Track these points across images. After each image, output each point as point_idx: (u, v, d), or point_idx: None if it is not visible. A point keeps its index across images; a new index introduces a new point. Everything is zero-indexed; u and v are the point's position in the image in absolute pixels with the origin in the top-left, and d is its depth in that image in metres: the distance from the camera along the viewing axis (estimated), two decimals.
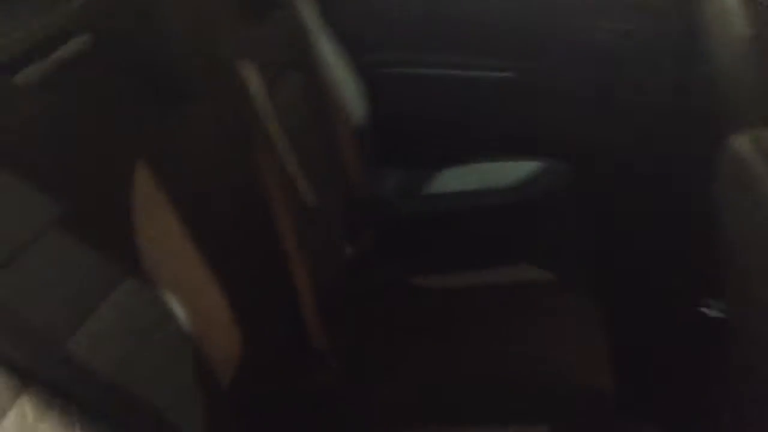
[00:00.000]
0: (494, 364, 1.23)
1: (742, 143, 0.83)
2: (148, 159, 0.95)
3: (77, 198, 0.84)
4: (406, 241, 1.58)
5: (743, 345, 0.89)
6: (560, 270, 1.39)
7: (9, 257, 0.72)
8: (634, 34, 1.60)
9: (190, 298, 0.98)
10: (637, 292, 1.54)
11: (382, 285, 1.45)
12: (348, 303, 1.39)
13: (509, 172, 1.70)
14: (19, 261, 0.74)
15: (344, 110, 1.64)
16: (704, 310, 1.21)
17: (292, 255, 1.20)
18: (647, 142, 1.60)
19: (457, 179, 1.73)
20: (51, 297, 0.78)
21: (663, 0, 1.57)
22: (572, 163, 1.65)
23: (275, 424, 1.09)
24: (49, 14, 0.98)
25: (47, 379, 0.73)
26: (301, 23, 1.54)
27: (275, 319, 1.16)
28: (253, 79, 1.29)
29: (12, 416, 0.70)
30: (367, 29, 1.74)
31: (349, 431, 1.15)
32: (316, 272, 1.27)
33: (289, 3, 1.52)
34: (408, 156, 1.79)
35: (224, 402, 1.00)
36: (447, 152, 1.78)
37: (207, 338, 0.99)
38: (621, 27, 1.62)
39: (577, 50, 1.66)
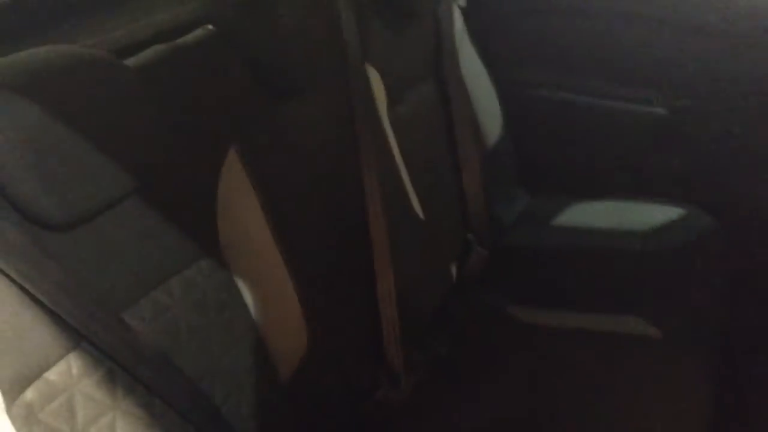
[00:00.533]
0: (573, 415, 1.15)
1: None
2: (242, 148, 0.99)
3: (165, 175, 0.88)
4: (517, 269, 1.52)
5: None
6: (672, 328, 1.27)
7: (81, 219, 0.77)
8: None
9: (262, 289, 1.00)
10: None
11: (481, 311, 1.40)
12: (440, 324, 1.36)
13: (645, 214, 1.58)
14: (93, 224, 0.80)
15: (477, 128, 1.61)
16: None
17: (382, 266, 1.19)
18: None
19: (587, 214, 1.63)
20: (119, 264, 0.83)
21: None
22: (714, 214, 1.50)
23: (329, 426, 1.08)
24: (179, 6, 1.05)
25: (98, 341, 0.77)
26: (443, 37, 1.53)
27: (351, 325, 1.15)
28: (376, 85, 1.30)
29: (57, 368, 0.75)
30: (513, 48, 1.69)
31: None
32: (409, 287, 1.25)
33: (432, 16, 1.52)
34: (539, 182, 1.73)
35: (282, 395, 1.02)
36: (581, 184, 1.69)
37: (273, 330, 1.01)
38: None
39: (738, 94, 1.51)
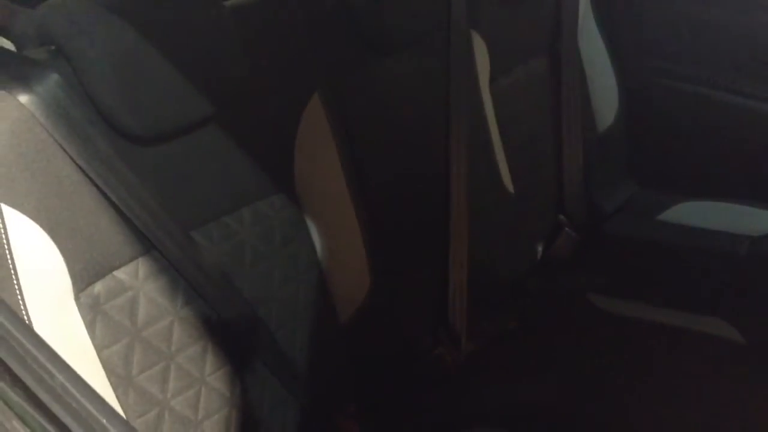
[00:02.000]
0: (634, 408, 1.12)
1: None
2: (327, 94, 1.03)
3: (248, 108, 0.95)
4: (608, 258, 1.48)
5: None
6: (756, 335, 1.19)
7: (161, 137, 0.85)
8: None
9: (330, 231, 1.05)
10: None
11: (559, 293, 1.38)
12: (514, 299, 1.35)
13: (757, 220, 1.48)
14: (174, 144, 0.87)
15: (589, 110, 1.57)
16: None
17: (458, 230, 1.20)
18: None
19: (695, 212, 1.55)
20: (195, 186, 0.91)
21: None
22: None
23: (380, 374, 1.12)
24: None
25: (165, 251, 0.85)
26: (564, 15, 1.49)
27: (417, 283, 1.18)
28: (480, 54, 1.30)
29: (126, 269, 0.84)
30: (642, 33, 1.62)
31: (445, 419, 1.14)
32: (486, 257, 1.26)
33: None
34: (651, 174, 1.66)
35: (338, 335, 1.07)
36: (694, 181, 1.61)
37: (336, 272, 1.06)
38: None
39: None
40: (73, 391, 0.53)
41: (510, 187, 1.36)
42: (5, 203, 0.74)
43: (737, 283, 1.34)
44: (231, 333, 0.92)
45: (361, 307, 1.08)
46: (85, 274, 0.80)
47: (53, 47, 0.79)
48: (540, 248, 1.45)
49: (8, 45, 1.09)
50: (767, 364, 1.16)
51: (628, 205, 1.63)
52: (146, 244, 0.85)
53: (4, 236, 0.74)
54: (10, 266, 0.74)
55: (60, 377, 0.53)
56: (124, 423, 0.52)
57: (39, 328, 0.76)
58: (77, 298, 0.80)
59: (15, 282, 0.75)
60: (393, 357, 1.15)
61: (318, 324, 1.03)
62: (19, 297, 0.75)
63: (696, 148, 1.62)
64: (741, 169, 1.56)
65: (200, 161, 0.91)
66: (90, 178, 0.79)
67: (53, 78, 0.77)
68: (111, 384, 0.83)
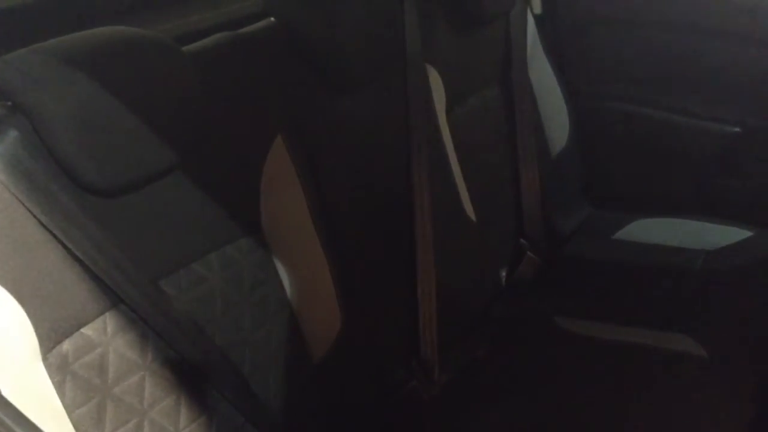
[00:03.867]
0: (608, 429, 1.13)
1: None
2: (290, 135, 1.03)
3: (212, 154, 0.94)
4: (570, 280, 1.50)
5: None
6: (719, 349, 1.22)
7: (124, 188, 0.83)
8: None
9: (299, 272, 1.04)
10: None
11: (526, 318, 1.39)
12: (482, 327, 1.36)
13: (710, 234, 1.52)
14: (138, 195, 0.85)
15: (542, 136, 1.61)
16: None
17: (425, 262, 1.21)
18: None
19: (649, 230, 1.59)
20: (161, 234, 0.89)
21: None
22: None
23: (355, 412, 1.11)
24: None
25: (133, 304, 0.83)
26: (513, 43, 1.52)
27: (387, 318, 1.18)
28: (435, 85, 1.32)
29: (94, 325, 0.82)
30: (587, 58, 1.67)
31: None
32: (453, 286, 1.27)
33: (504, 22, 1.52)
34: (604, 195, 1.70)
35: (311, 375, 1.05)
36: (646, 200, 1.65)
37: (307, 313, 1.05)
38: None
39: None
40: None
41: (472, 215, 1.37)
42: None
43: (695, 298, 1.38)
44: (204, 383, 0.90)
45: (334, 344, 1.07)
46: (52, 334, 0.77)
47: (10, 103, 0.77)
48: (504, 273, 1.47)
49: None
50: (730, 378, 1.18)
51: (584, 226, 1.66)
52: (113, 298, 0.83)
53: None
54: None
55: None
56: None
57: (6, 391, 0.73)
58: (45, 359, 0.77)
59: None
60: (367, 393, 1.14)
61: (292, 366, 1.02)
62: None
63: (646, 167, 1.67)
64: (690, 185, 1.62)
65: (166, 209, 0.89)
66: (54, 235, 0.77)
67: (12, 135, 0.75)
68: None
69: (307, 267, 1.06)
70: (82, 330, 0.81)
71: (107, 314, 0.82)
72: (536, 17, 1.63)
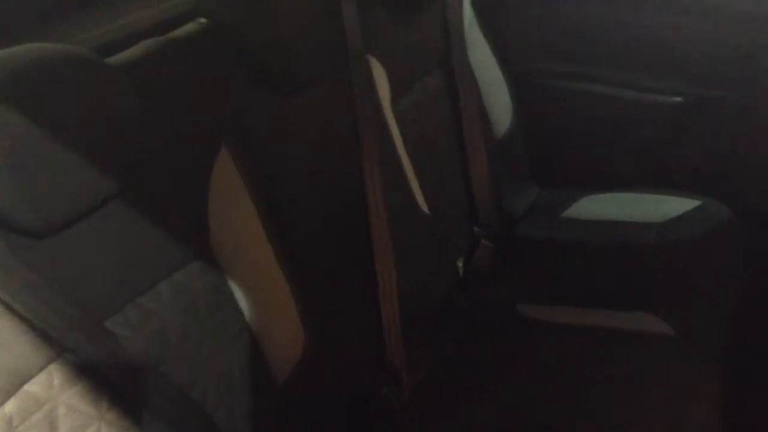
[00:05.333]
0: (582, 414, 1.11)
1: None
2: (235, 146, 0.96)
3: (151, 176, 0.86)
4: (526, 264, 1.48)
5: None
6: (684, 325, 1.22)
7: (61, 226, 0.75)
8: None
9: (256, 289, 0.98)
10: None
11: (488, 308, 1.36)
12: (445, 322, 1.33)
13: (660, 206, 1.53)
14: (74, 230, 0.77)
15: (486, 119, 1.57)
16: None
17: (383, 263, 1.16)
18: None
19: (600, 206, 1.58)
20: (103, 270, 0.81)
21: None
22: (731, 206, 1.45)
23: (329, 429, 1.06)
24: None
25: (80, 351, 0.75)
26: (451, 27, 1.48)
27: (351, 325, 1.13)
28: (379, 77, 1.26)
29: (39, 380, 0.73)
30: (524, 37, 1.64)
31: None
32: (412, 284, 1.22)
33: (440, 5, 1.47)
34: (551, 174, 1.68)
35: (278, 398, 0.99)
36: (594, 176, 1.64)
37: (268, 332, 0.99)
38: None
39: (760, 85, 1.45)
40: None
41: (425, 207, 1.32)
42: None
43: (652, 273, 1.38)
44: (166, 427, 0.83)
45: (299, 363, 1.01)
46: None
47: None
48: (461, 264, 1.44)
49: None
50: (695, 353, 1.18)
51: (534, 207, 1.64)
52: (57, 347, 0.74)
53: None
54: None
55: None
56: None
57: None
58: None
59: None
60: (337, 409, 1.09)
61: (256, 393, 0.95)
62: None
63: (591, 143, 1.65)
64: (636, 158, 1.61)
65: (106, 242, 0.81)
66: None
67: None
68: None
69: (264, 284, 0.99)
70: (26, 387, 0.72)
71: (52, 366, 0.74)
72: None
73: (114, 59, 0.87)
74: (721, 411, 1.08)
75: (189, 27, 1.00)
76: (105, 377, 0.78)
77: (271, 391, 0.99)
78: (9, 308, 0.70)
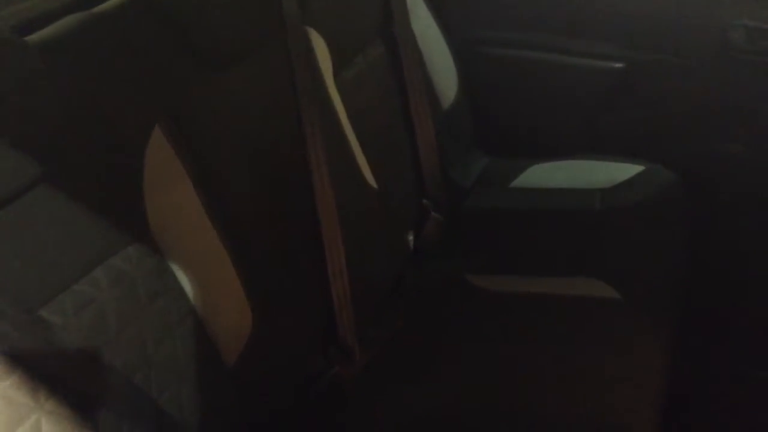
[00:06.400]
0: (533, 381, 1.12)
1: None
2: (169, 123, 0.92)
3: (80, 158, 0.82)
4: (475, 235, 1.48)
5: None
6: (630, 289, 1.24)
7: None
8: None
9: (199, 271, 0.95)
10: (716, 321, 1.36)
11: (438, 280, 1.36)
12: (396, 296, 1.32)
13: (605, 172, 1.54)
14: None
15: (431, 89, 1.55)
16: None
17: (331, 239, 1.14)
18: (763, 156, 1.40)
19: (546, 175, 1.59)
20: (34, 258, 0.77)
21: None
22: (675, 169, 1.48)
23: (280, 409, 1.05)
24: None
25: (12, 342, 0.72)
26: None
27: (299, 303, 1.11)
28: (319, 49, 1.24)
29: None
30: (466, 5, 1.62)
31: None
32: (362, 260, 1.21)
33: None
34: (498, 144, 1.68)
35: (226, 380, 0.98)
36: (540, 144, 1.65)
37: (213, 314, 0.96)
38: (759, 26, 1.41)
39: (702, 48, 1.46)
40: None
41: (372, 181, 1.31)
42: None
43: (597, 239, 1.39)
44: (108, 414, 0.81)
45: (247, 346, 0.99)
46: None
47: None
48: (411, 238, 1.43)
49: None
50: (644, 317, 1.20)
51: (482, 177, 1.64)
52: None
53: None
54: None
55: None
56: None
57: None
58: None
59: None
60: (288, 389, 1.08)
61: (204, 378, 0.93)
62: None
63: (535, 111, 1.66)
64: (579, 125, 1.62)
65: (34, 228, 0.77)
66: None
67: None
68: None
69: (208, 267, 0.97)
70: None
71: None
72: None
73: (33, 37, 0.83)
74: (658, 371, 1.10)
75: (112, 1, 0.96)
76: (41, 367, 0.75)
77: (219, 374, 0.97)
78: None
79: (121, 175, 0.88)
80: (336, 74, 1.27)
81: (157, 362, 0.89)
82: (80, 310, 0.81)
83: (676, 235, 1.39)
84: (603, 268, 1.30)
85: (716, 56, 1.45)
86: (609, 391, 1.10)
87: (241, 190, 1.04)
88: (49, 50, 0.82)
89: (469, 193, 1.59)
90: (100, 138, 0.85)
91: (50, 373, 0.76)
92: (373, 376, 1.16)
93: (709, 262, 1.40)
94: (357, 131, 1.30)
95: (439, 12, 1.59)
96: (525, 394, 1.12)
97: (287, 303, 1.08)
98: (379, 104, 1.41)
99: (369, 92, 1.38)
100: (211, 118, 1.00)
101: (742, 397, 1.41)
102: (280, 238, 1.09)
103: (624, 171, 1.52)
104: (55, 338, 0.76)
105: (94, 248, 0.84)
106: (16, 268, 0.76)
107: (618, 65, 1.54)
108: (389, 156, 1.40)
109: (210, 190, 0.97)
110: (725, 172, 1.49)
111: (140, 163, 0.89)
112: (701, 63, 1.47)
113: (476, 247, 1.45)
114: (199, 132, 0.98)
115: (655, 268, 1.29)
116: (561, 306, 1.25)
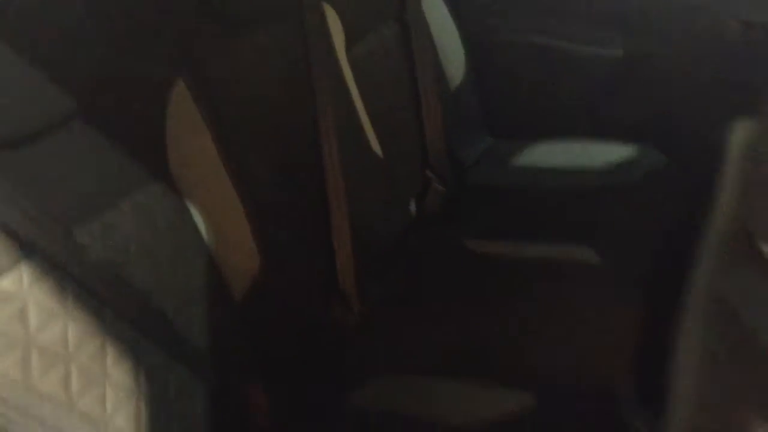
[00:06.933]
0: (522, 338, 1.21)
1: None
2: (192, 80, 1.03)
3: (111, 100, 0.93)
4: (476, 206, 1.58)
5: None
6: (614, 258, 1.33)
7: (24, 138, 0.82)
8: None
9: (214, 214, 1.05)
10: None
11: (438, 244, 1.46)
12: (398, 258, 1.41)
13: (602, 154, 1.63)
14: (41, 144, 0.84)
15: (440, 71, 1.65)
16: None
17: (336, 199, 1.24)
18: None
19: (546, 155, 1.68)
20: (67, 185, 0.88)
21: None
22: (668, 153, 1.56)
23: (282, 348, 1.14)
24: None
25: (47, 253, 0.83)
26: None
27: (304, 255, 1.21)
28: (333, 23, 1.34)
29: (9, 278, 0.81)
30: None
31: (349, 375, 1.18)
32: (365, 221, 1.31)
33: None
34: (502, 125, 1.77)
35: (234, 314, 1.08)
36: (542, 126, 1.73)
37: (225, 254, 1.07)
38: (755, 20, 1.49)
39: (699, 38, 1.55)
40: None
41: (378, 151, 1.41)
42: None
43: (591, 213, 1.48)
44: (127, 325, 0.91)
45: (254, 285, 1.10)
46: None
47: None
48: (413, 206, 1.53)
49: None
50: (622, 282, 1.29)
51: (485, 155, 1.73)
52: (26, 248, 0.82)
53: None
54: None
55: None
56: None
57: None
58: None
59: None
60: (291, 328, 1.18)
61: (214, 307, 1.04)
62: None
63: (539, 94, 1.75)
64: (580, 109, 1.71)
65: (71, 160, 0.88)
66: None
67: None
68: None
69: (221, 210, 1.07)
70: None
71: (22, 264, 0.82)
72: None
73: None
74: (636, 328, 1.18)
75: None
76: (70, 277, 0.85)
77: (226, 308, 1.07)
78: None
79: (148, 122, 0.99)
80: (348, 49, 1.37)
81: (171, 289, 0.99)
82: (107, 236, 0.91)
83: (665, 211, 1.47)
84: (592, 238, 1.38)
85: (712, 44, 1.52)
86: (591, 345, 1.18)
87: (254, 148, 1.15)
88: (92, 4, 0.93)
89: (471, 169, 1.68)
90: (130, 85, 0.96)
91: (78, 283, 0.86)
92: (371, 328, 1.26)
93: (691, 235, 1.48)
94: (366, 103, 1.40)
95: None
96: (514, 348, 1.20)
97: (293, 252, 1.18)
98: (389, 81, 1.51)
99: (380, 69, 1.48)
100: (229, 80, 1.11)
101: None
102: (289, 194, 1.19)
103: (620, 153, 1.60)
104: (84, 254, 0.87)
105: (121, 182, 0.95)
106: (55, 195, 0.86)
107: (617, 52, 1.62)
108: (396, 129, 1.50)
109: (226, 144, 1.08)
110: (717, 156, 1.56)
111: (164, 112, 1.00)
112: (697, 51, 1.55)
113: (475, 217, 1.54)
114: (219, 89, 1.08)
115: (640, 240, 1.38)
116: (551, 270, 1.34)
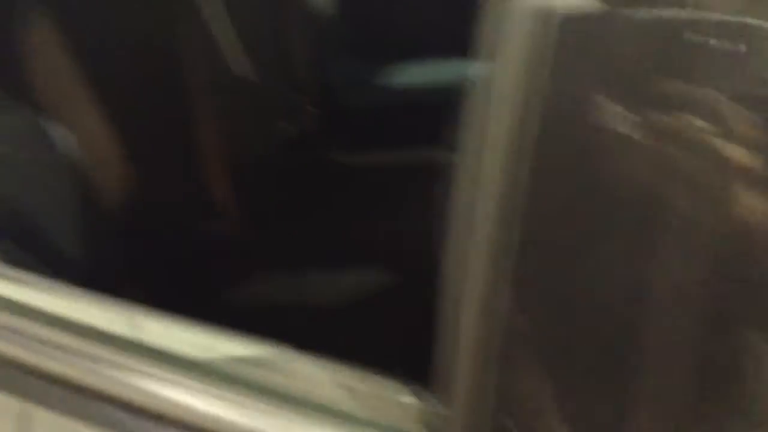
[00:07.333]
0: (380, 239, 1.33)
1: None
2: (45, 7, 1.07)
3: None
4: (342, 126, 1.67)
5: None
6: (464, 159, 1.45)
7: None
8: None
9: (82, 136, 1.11)
10: None
11: (306, 158, 1.55)
12: (267, 171, 1.50)
13: (462, 71, 1.73)
14: None
15: None
16: None
17: (201, 116, 1.30)
18: None
19: (407, 75, 1.78)
20: None
21: None
22: None
23: (158, 259, 1.22)
24: None
25: None
26: None
27: (174, 172, 1.28)
28: None
29: None
30: None
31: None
32: (236, 142, 1.38)
33: None
34: (367, 47, 1.86)
35: (108, 226, 1.14)
36: (407, 48, 1.83)
37: (96, 175, 1.13)
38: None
39: None
40: None
41: (245, 70, 1.47)
42: None
43: (449, 123, 1.59)
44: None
45: (128, 203, 1.16)
46: None
47: None
48: (285, 126, 1.61)
49: None
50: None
51: (352, 78, 1.82)
52: None
53: None
54: None
55: None
56: None
57: None
58: None
59: None
60: (164, 240, 1.25)
61: (88, 223, 1.10)
62: None
63: (396, 16, 1.84)
64: (435, 28, 1.81)
65: None
66: None
67: None
68: None
69: (89, 131, 1.13)
70: None
71: None
72: None
73: None
74: None
75: None
76: None
77: (102, 223, 1.14)
78: None
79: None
80: None
81: (44, 203, 1.05)
82: None
83: None
84: (453, 142, 1.50)
85: None
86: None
87: (118, 62, 1.19)
88: None
89: (341, 91, 1.77)
90: None
91: None
92: (246, 241, 1.35)
93: None
94: (235, 27, 1.45)
95: None
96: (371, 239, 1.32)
97: (162, 165, 1.24)
98: (258, 8, 1.56)
99: None
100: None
101: None
102: (154, 104, 1.24)
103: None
104: None
105: None
106: None
107: None
108: (263, 53, 1.56)
109: (84, 65, 1.12)
110: None
111: (22, 37, 1.04)
112: None
113: (344, 134, 1.64)
114: (72, 11, 1.12)
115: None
116: (418, 173, 1.45)
